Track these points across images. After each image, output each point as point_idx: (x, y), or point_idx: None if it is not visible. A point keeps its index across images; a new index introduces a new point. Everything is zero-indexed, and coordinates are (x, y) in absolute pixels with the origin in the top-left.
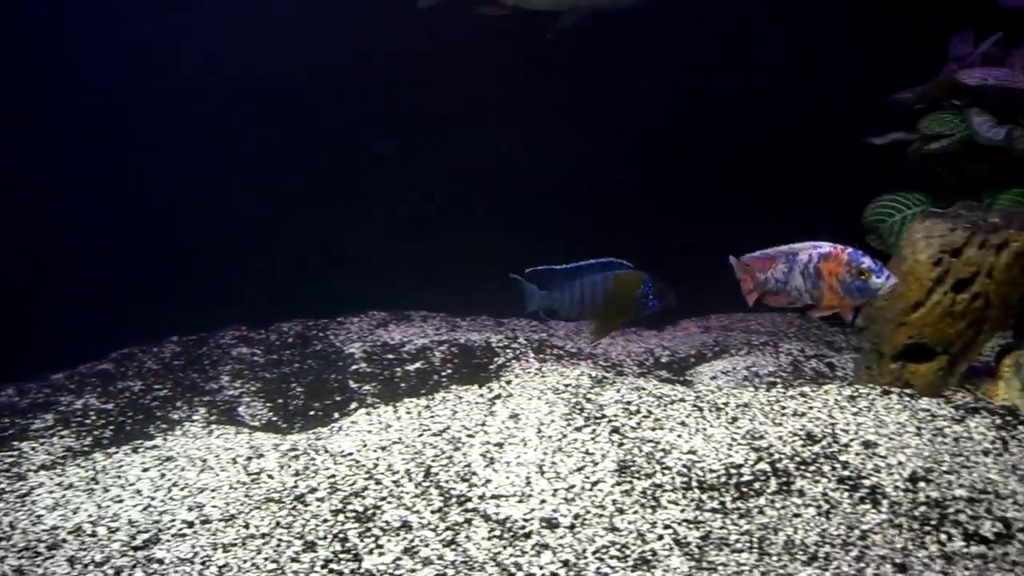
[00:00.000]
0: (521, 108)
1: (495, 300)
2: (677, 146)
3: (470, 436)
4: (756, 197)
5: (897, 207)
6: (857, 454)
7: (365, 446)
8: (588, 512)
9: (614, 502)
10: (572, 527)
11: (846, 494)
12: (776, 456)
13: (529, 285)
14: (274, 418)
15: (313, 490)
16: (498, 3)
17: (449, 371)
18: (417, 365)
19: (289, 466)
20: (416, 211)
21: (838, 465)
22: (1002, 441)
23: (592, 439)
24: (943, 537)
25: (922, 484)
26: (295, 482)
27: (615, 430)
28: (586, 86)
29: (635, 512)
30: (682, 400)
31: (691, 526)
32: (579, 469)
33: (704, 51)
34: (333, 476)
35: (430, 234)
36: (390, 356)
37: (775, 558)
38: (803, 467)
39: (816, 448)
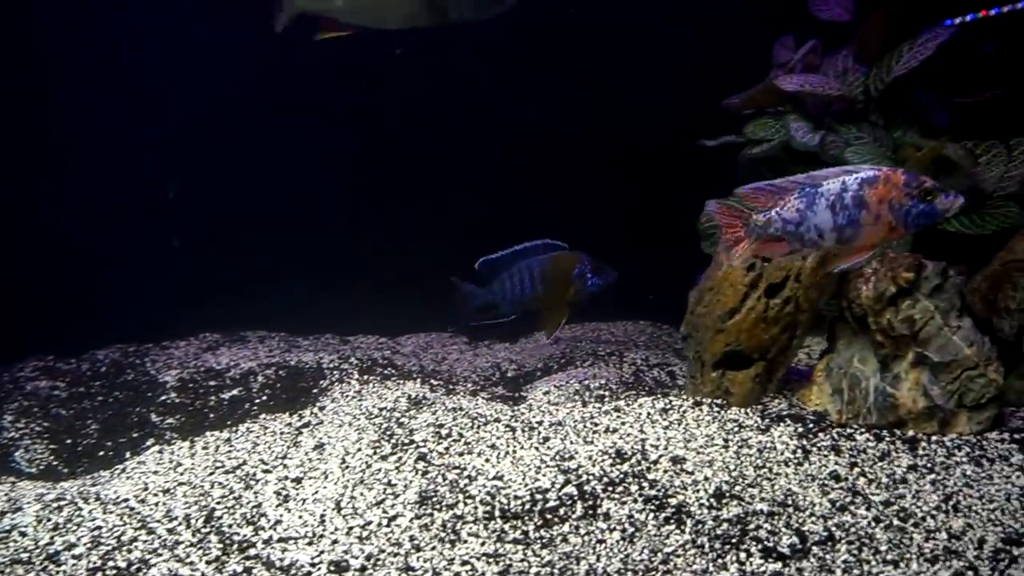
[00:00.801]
0: (366, 112)
1: (339, 315)
2: (518, 155)
3: (267, 472)
4: (593, 202)
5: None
6: (665, 471)
7: (146, 490)
8: (383, 552)
9: (411, 538)
10: (363, 569)
11: (652, 515)
12: (584, 478)
13: (467, 288)
14: (55, 462)
15: (70, 546)
16: (337, 26)
17: (265, 397)
18: (234, 392)
19: (49, 519)
20: (261, 221)
21: (646, 484)
22: (803, 450)
23: (397, 468)
24: (743, 556)
25: (726, 500)
26: (51, 538)
27: (422, 457)
28: (431, 90)
29: (432, 548)
30: (497, 420)
31: (490, 560)
32: (378, 503)
33: (539, 56)
34: (98, 528)
35: (279, 244)
36: (210, 383)
37: None
38: (611, 488)
39: (625, 467)
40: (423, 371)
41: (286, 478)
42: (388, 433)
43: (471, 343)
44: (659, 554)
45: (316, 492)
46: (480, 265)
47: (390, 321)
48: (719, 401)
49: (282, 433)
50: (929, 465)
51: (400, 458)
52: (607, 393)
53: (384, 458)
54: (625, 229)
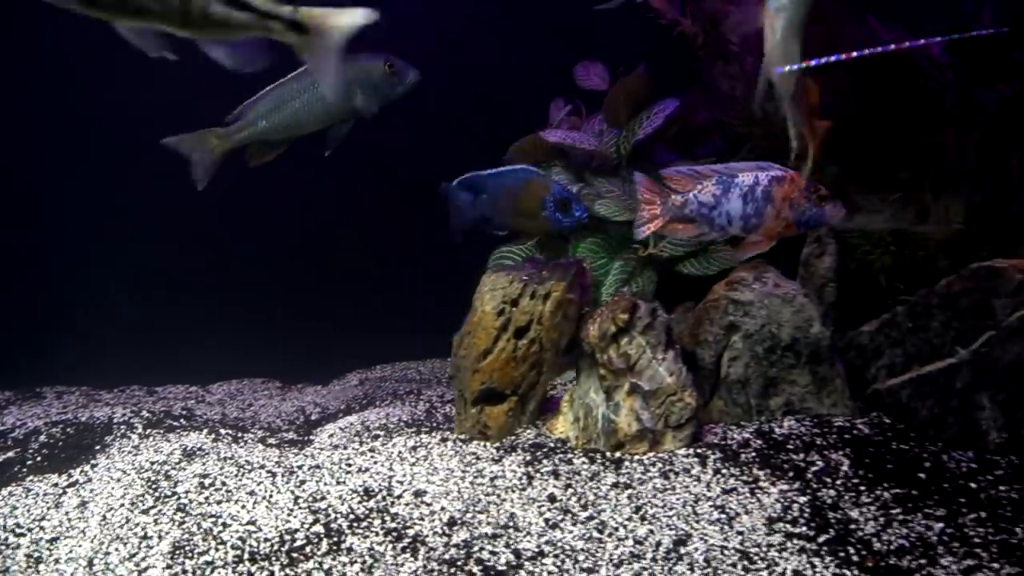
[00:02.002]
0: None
1: (149, 365)
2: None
3: (19, 536)
4: (389, 243)
5: (513, 255)
6: (407, 504)
7: None
8: None
9: None
10: None
11: (390, 546)
12: (332, 516)
13: (461, 194)
14: None
15: None
16: (266, 148)
17: (40, 458)
18: (9, 455)
19: None
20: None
21: (388, 517)
22: (528, 476)
23: (155, 521)
24: None
25: (457, 526)
26: None
27: (181, 508)
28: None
29: None
30: (262, 467)
31: None
32: (131, 557)
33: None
34: None
35: (82, 293)
36: None
37: None
38: (356, 524)
39: (371, 503)
40: (223, 420)
41: (40, 540)
42: (153, 486)
43: (283, 387)
44: None
45: (71, 551)
46: (459, 183)
47: (206, 367)
48: (463, 436)
49: (46, 494)
50: (628, 481)
51: (160, 510)
52: (382, 432)
53: (145, 512)
54: (418, 270)
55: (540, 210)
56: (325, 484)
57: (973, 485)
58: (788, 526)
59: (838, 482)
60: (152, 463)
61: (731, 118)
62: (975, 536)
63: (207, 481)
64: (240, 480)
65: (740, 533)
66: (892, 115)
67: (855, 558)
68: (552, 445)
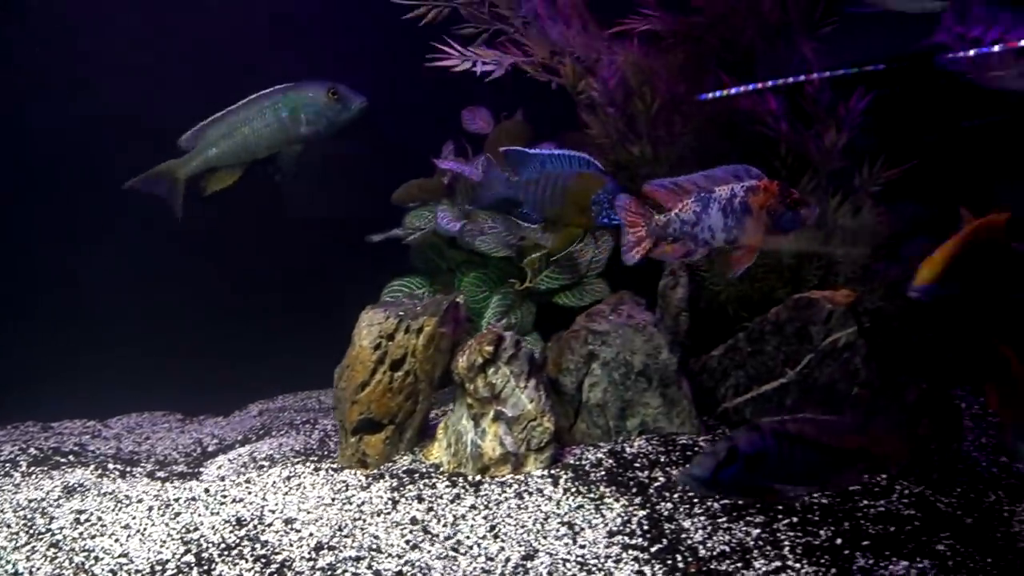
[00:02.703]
0: None
1: (43, 399)
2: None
3: None
4: (293, 274)
5: (404, 289)
6: (277, 532)
7: None
8: None
9: None
10: None
11: (259, 572)
12: (204, 546)
13: (495, 169)
14: None
15: None
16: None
17: None
18: None
19: None
20: None
21: (258, 545)
22: (393, 501)
23: (27, 558)
24: None
25: (323, 551)
26: None
27: (55, 544)
28: None
29: None
30: (140, 501)
31: None
32: None
33: None
34: None
35: None
36: None
37: None
38: (227, 552)
39: (242, 532)
40: (116, 454)
41: None
42: (29, 524)
43: (183, 419)
44: None
45: None
46: (508, 154)
47: (106, 402)
48: (335, 466)
49: None
50: (485, 503)
51: (33, 547)
52: (267, 463)
53: (17, 548)
54: (321, 300)
55: (589, 205)
56: (199, 515)
57: (791, 493)
58: (626, 538)
59: (675, 496)
60: (31, 500)
61: (601, 163)
62: (785, 540)
63: (83, 517)
64: (117, 514)
65: (583, 546)
66: (742, 160)
67: (681, 564)
68: (424, 470)
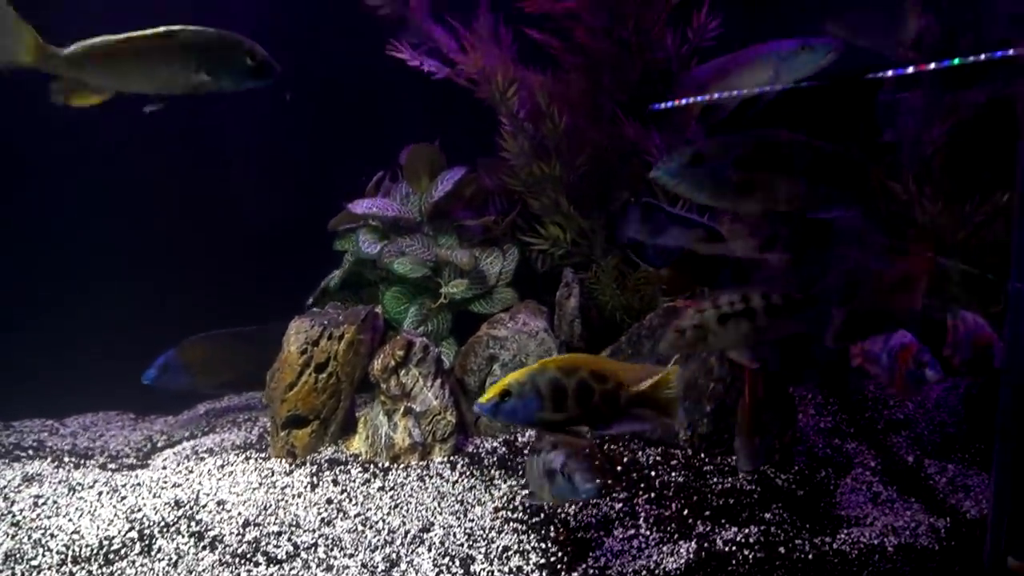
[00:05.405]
0: None
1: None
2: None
3: None
4: (233, 291)
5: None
6: (210, 512)
7: None
8: None
9: None
10: None
11: (193, 546)
12: (146, 524)
13: (632, 216)
14: None
15: None
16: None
17: None
18: None
19: None
20: None
21: (194, 523)
22: (312, 485)
23: None
24: (252, 565)
25: (250, 527)
26: None
27: (16, 524)
28: None
29: None
30: (92, 487)
31: None
32: None
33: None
34: None
35: None
36: None
37: None
38: (166, 529)
39: (180, 512)
40: (72, 449)
41: None
42: None
43: (136, 418)
44: (194, 572)
45: None
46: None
47: (66, 397)
48: (263, 456)
49: None
50: (392, 485)
51: None
52: (207, 455)
53: None
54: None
55: (699, 267)
56: (143, 499)
57: (653, 473)
58: (509, 512)
59: None
60: None
61: (512, 183)
62: (641, 512)
63: (40, 500)
64: (70, 499)
65: (471, 520)
66: (629, 184)
67: (552, 534)
68: (343, 459)
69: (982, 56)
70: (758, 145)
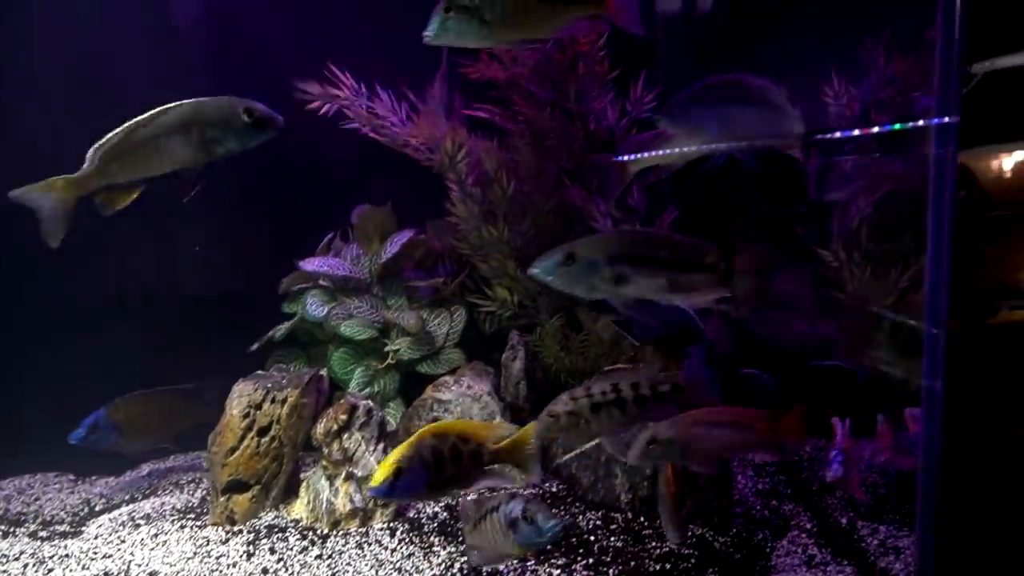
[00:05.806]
0: None
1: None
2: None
3: None
4: (181, 349)
5: (282, 361)
6: None
7: None
8: None
9: None
10: None
11: None
12: None
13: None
14: None
15: None
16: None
17: None
18: None
19: None
20: None
21: None
22: (248, 553)
23: None
24: None
25: None
26: None
27: None
28: None
29: None
30: (17, 559)
31: None
32: None
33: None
34: None
35: None
36: None
37: None
38: None
39: None
40: (4, 515)
41: None
42: None
43: (75, 480)
44: None
45: None
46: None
47: (0, 460)
48: (199, 523)
49: None
50: (330, 552)
51: None
52: (143, 521)
53: None
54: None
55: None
56: (71, 571)
57: (592, 538)
58: None
59: None
60: None
61: (461, 246)
62: None
63: None
64: None
65: None
66: None
67: None
68: (283, 525)
69: (897, 125)
70: (623, 242)
